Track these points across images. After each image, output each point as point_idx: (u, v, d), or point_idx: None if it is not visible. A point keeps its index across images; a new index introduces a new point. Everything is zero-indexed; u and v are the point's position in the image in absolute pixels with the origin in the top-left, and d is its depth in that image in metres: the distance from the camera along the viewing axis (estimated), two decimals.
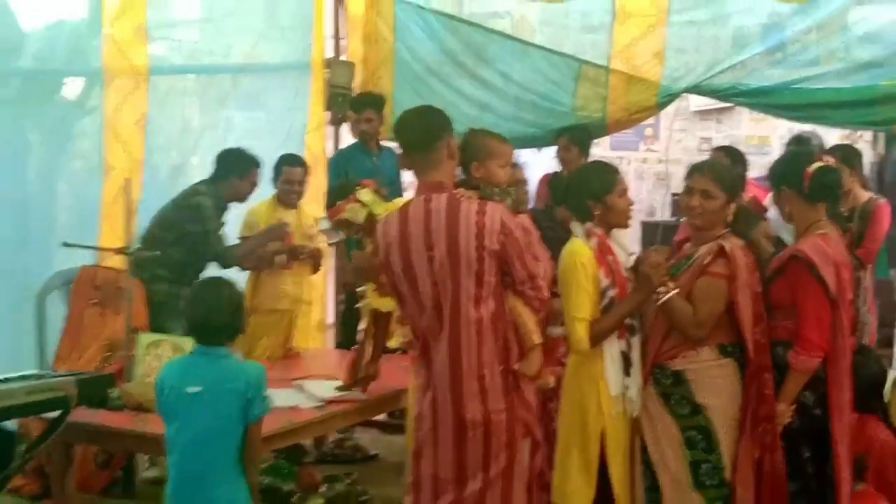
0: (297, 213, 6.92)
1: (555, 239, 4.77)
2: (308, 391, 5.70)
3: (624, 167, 10.07)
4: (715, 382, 4.41)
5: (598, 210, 4.53)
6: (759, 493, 4.42)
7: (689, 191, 4.56)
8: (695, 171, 4.60)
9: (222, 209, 6.57)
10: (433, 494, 4.19)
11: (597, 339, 4.42)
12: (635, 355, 4.51)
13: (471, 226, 4.06)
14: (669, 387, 4.45)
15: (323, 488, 6.26)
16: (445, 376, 4.14)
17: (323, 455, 7.08)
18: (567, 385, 4.63)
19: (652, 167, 9.88)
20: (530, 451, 4.33)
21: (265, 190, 6.90)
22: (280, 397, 5.36)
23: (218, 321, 4.10)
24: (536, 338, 4.21)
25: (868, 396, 5.13)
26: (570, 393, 4.59)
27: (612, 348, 4.48)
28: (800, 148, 6.97)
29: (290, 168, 6.85)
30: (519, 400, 4.22)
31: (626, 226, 4.70)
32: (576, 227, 4.58)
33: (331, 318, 8.36)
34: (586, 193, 4.56)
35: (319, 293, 8.04)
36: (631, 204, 4.69)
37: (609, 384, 4.46)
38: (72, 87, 7.27)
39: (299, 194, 6.90)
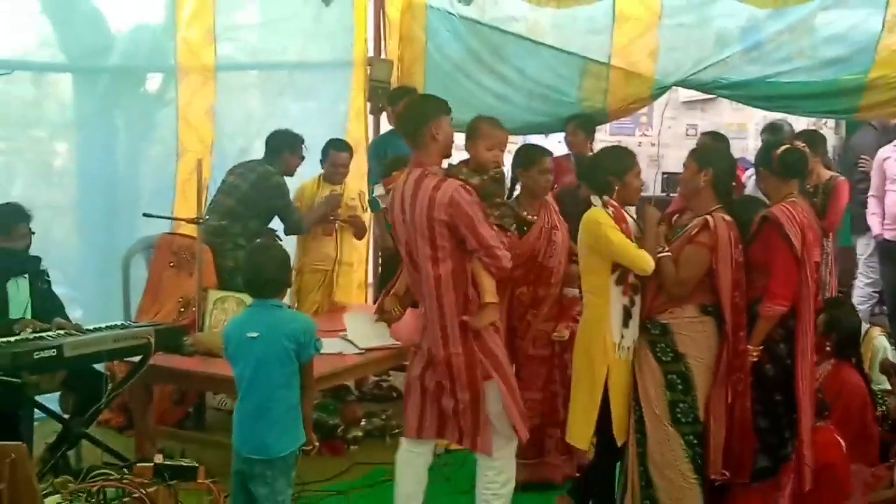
0: (342, 189, 6.91)
1: (577, 214, 4.73)
2: (353, 333, 5.72)
3: None
4: (695, 336, 4.43)
5: (617, 186, 4.56)
6: (730, 431, 4.42)
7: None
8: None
9: None
10: (420, 399, 4.50)
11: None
12: (635, 310, 4.53)
13: (425, 198, 4.17)
14: (657, 336, 4.47)
15: (363, 422, 6.31)
16: (424, 322, 4.39)
17: (363, 394, 7.13)
18: (579, 336, 4.69)
19: (646, 150, 9.79)
20: (502, 393, 4.36)
21: (313, 169, 6.91)
22: (326, 345, 5.38)
23: (268, 277, 4.15)
24: (488, 297, 4.29)
25: (845, 345, 5.11)
26: (581, 342, 4.65)
27: (616, 303, 4.50)
28: (774, 136, 6.93)
29: (337, 152, 6.84)
30: (479, 345, 4.32)
31: (634, 203, 4.73)
32: (595, 199, 4.61)
33: (371, 278, 8.37)
34: (610, 170, 4.59)
35: (361, 256, 8.08)
36: (642, 184, 4.75)
37: (612, 332, 4.49)
38: (152, 83, 7.26)
39: (343, 175, 6.89)
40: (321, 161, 6.89)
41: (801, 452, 4.53)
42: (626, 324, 4.50)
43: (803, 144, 4.90)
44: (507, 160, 4.93)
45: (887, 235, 7.26)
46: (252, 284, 4.21)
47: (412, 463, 4.63)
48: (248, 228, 6.31)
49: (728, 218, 4.44)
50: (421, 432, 4.54)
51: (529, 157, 5.23)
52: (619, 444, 4.57)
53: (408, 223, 4.27)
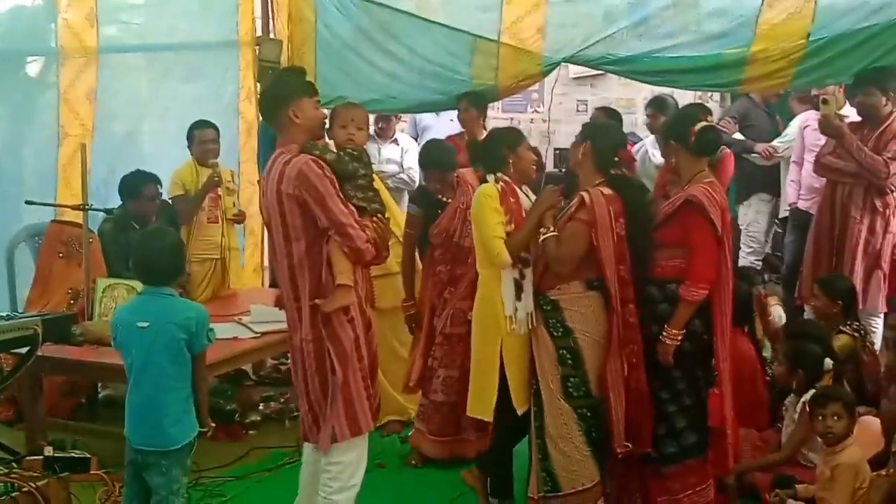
0: (217, 170, 6.78)
1: None
2: (248, 325, 5.66)
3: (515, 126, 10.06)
4: (583, 311, 4.47)
5: (511, 158, 4.64)
6: (628, 403, 4.48)
7: None
8: None
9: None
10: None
11: (513, 252, 4.49)
12: (527, 283, 4.56)
13: (276, 173, 3.99)
14: (548, 312, 4.51)
15: (261, 406, 6.26)
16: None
17: (261, 378, 7.06)
18: (475, 311, 4.74)
19: (538, 126, 9.90)
20: (344, 387, 4.08)
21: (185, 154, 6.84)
22: (221, 330, 5.33)
23: (160, 264, 4.05)
24: (341, 279, 4.01)
25: (737, 313, 5.21)
26: (477, 317, 4.71)
27: (507, 276, 4.53)
28: (660, 111, 7.04)
29: (201, 130, 6.73)
30: (328, 333, 4.04)
31: (531, 178, 4.79)
32: (489, 176, 4.66)
33: (266, 261, 8.27)
34: (503, 144, 4.69)
35: (256, 239, 7.99)
36: (535, 160, 4.83)
37: (505, 306, 4.52)
38: (33, 66, 7.05)
39: (214, 152, 6.74)
40: (189, 146, 6.76)
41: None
42: (518, 297, 4.53)
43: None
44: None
45: (801, 205, 7.36)
46: (143, 271, 4.10)
47: (305, 467, 4.44)
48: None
49: (608, 191, 4.45)
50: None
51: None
52: (520, 412, 4.61)
53: (267, 202, 4.08)
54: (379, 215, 4.20)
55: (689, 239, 4.47)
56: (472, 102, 7.31)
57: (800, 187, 7.40)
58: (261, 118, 7.97)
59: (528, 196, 4.74)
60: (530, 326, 4.53)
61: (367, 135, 4.40)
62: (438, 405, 5.46)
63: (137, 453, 4.02)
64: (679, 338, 4.44)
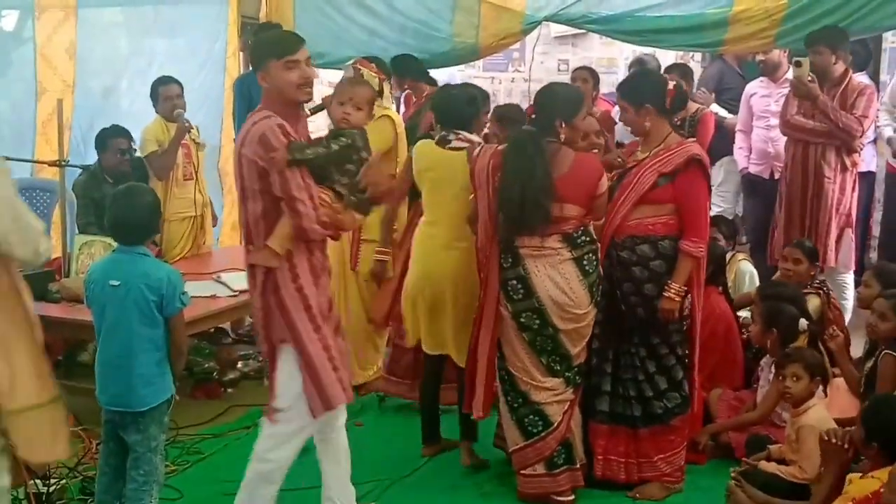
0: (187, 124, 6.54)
1: None
2: (224, 282, 5.59)
3: (496, 86, 9.99)
4: None
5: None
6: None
7: None
8: None
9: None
10: None
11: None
12: None
13: (242, 133, 3.81)
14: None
15: (239, 365, 6.20)
16: None
17: (239, 336, 6.98)
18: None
19: (519, 86, 9.82)
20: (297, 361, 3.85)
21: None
22: (199, 288, 5.27)
23: (135, 222, 3.92)
24: (272, 241, 3.72)
25: (712, 271, 5.18)
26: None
27: None
28: (647, 69, 6.97)
29: (166, 87, 6.49)
30: (276, 301, 3.80)
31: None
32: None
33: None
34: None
35: (235, 197, 7.88)
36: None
37: None
38: (8, 20, 6.90)
39: (181, 106, 6.51)
40: (154, 105, 6.52)
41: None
42: None
43: (677, 78, 4.96)
44: None
45: (752, 170, 7.36)
46: (116, 229, 3.97)
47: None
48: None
49: (499, 147, 4.44)
50: None
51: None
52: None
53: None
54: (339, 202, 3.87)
55: (691, 195, 4.45)
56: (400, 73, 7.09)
57: (749, 153, 7.40)
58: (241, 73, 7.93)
59: None
60: None
61: (366, 115, 4.09)
62: (405, 350, 5.42)
63: (111, 413, 3.95)
64: (681, 292, 4.44)
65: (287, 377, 3.86)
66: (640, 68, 7.16)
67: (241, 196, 3.82)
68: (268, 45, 3.95)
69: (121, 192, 4.01)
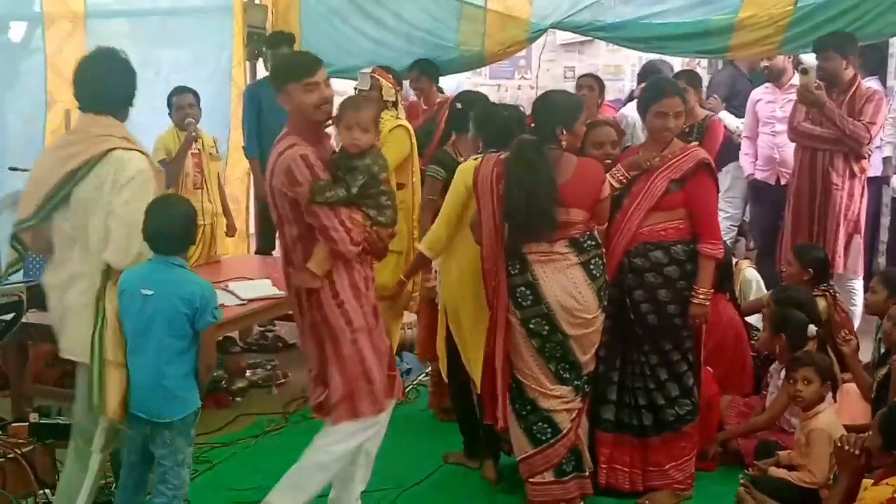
0: (197, 133, 6.60)
1: None
2: (233, 291, 5.59)
3: (502, 93, 10.03)
4: None
5: None
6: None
7: None
8: None
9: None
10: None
11: None
12: None
13: (271, 162, 3.91)
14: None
15: (248, 373, 6.21)
16: None
17: (248, 345, 7.01)
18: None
19: (525, 93, 9.84)
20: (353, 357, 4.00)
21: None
22: None
23: (171, 233, 3.86)
24: (311, 264, 3.86)
25: (721, 278, 5.17)
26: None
27: None
28: (659, 81, 6.95)
29: (179, 96, 6.58)
30: (322, 319, 3.96)
31: None
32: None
33: (252, 227, 8.19)
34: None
35: (240, 206, 7.92)
36: None
37: None
38: (16, 31, 6.90)
39: (194, 115, 6.57)
40: (169, 113, 6.62)
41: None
42: None
43: (684, 84, 4.95)
44: None
45: (758, 176, 7.36)
46: (153, 239, 3.87)
47: None
48: None
49: (501, 155, 4.38)
50: None
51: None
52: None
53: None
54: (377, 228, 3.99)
55: (703, 199, 4.50)
56: (424, 71, 7.27)
57: (755, 159, 7.39)
58: (248, 83, 7.95)
59: None
60: None
61: (374, 135, 4.04)
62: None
63: (137, 421, 3.88)
64: (710, 295, 4.49)
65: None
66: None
67: (278, 221, 3.99)
68: (285, 68, 4.02)
69: (157, 202, 3.94)
